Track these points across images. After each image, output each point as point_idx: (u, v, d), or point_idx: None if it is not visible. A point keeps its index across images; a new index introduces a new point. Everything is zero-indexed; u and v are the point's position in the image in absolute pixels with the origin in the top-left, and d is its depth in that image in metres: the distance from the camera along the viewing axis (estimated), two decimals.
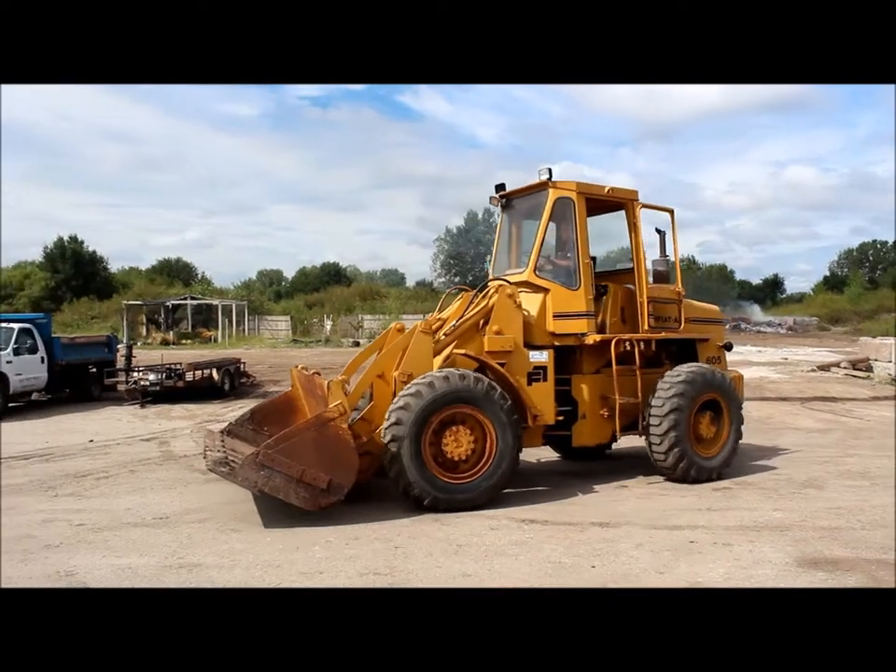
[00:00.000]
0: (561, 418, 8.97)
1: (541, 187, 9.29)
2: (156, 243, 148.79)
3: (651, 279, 9.61)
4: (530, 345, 8.80)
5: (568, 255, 9.34)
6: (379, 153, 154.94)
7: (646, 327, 9.32)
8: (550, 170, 9.08)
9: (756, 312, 73.82)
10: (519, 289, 9.05)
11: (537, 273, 9.20)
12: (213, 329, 54.66)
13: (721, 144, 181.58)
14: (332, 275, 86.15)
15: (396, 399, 7.86)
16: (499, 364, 8.50)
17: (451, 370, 8.07)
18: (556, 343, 9.02)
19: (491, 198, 10.15)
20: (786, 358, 32.14)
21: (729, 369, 10.61)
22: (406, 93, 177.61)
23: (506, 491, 8.34)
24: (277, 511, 7.53)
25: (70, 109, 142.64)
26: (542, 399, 8.69)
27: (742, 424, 9.60)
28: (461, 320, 8.87)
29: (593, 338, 8.98)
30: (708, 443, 9.24)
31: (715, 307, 11.08)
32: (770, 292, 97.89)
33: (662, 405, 8.82)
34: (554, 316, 9.02)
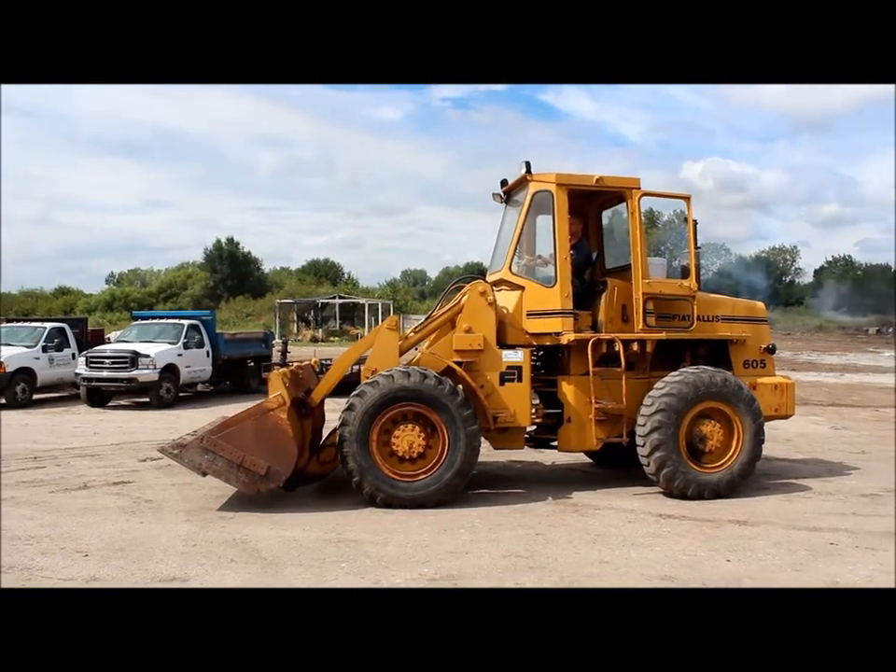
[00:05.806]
0: (539, 420, 8.86)
1: (524, 181, 9.01)
2: (306, 243, 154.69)
3: (678, 275, 9.06)
4: (505, 345, 8.65)
5: (545, 251, 9.08)
6: (523, 153, 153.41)
7: (640, 326, 8.62)
8: (528, 163, 8.80)
9: None
10: (497, 287, 8.96)
11: (512, 270, 8.98)
12: (359, 326, 56.65)
13: (884, 134, 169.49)
14: (476, 275, 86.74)
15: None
16: (468, 363, 8.42)
17: (397, 368, 8.13)
18: (534, 343, 8.82)
19: (494, 194, 9.78)
20: None
21: (778, 375, 9.67)
22: (549, 92, 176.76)
23: (644, 489, 8.51)
24: None
25: (227, 117, 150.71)
26: (516, 399, 8.47)
27: (761, 437, 8.58)
28: (429, 318, 9.04)
29: (567, 337, 8.48)
30: (710, 457, 8.49)
31: (757, 304, 9.89)
32: None
33: (651, 404, 8.27)
34: (528, 315, 8.76)
